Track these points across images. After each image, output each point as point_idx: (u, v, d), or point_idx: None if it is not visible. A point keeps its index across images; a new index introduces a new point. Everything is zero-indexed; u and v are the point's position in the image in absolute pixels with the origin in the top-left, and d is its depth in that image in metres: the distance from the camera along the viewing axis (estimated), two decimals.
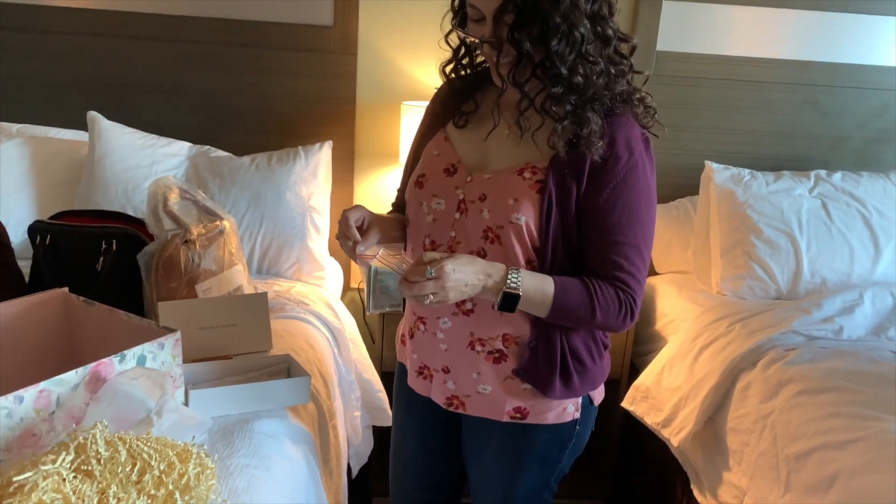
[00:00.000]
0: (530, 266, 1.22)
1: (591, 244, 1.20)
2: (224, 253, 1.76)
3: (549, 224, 1.19)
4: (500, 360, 1.28)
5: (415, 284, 1.10)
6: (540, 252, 1.21)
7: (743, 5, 2.57)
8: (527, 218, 1.19)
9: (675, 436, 2.09)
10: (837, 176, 2.50)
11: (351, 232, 1.25)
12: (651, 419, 2.21)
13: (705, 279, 2.46)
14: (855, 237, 2.36)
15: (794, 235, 2.33)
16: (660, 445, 2.20)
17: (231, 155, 2.40)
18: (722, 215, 2.41)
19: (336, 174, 2.51)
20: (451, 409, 1.35)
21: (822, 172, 2.52)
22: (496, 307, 1.17)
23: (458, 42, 1.29)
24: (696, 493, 2.04)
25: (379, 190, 2.67)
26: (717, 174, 2.45)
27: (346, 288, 2.65)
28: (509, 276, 1.15)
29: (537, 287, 1.17)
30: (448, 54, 1.32)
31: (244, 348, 1.62)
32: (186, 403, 1.34)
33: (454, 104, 1.33)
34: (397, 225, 1.36)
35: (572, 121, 1.16)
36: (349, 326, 2.27)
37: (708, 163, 2.50)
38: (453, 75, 1.32)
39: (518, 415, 1.30)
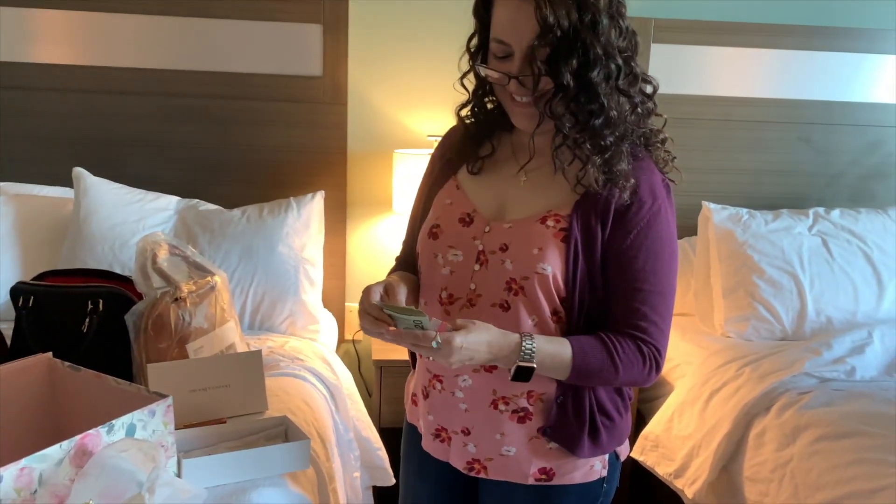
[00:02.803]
0: (556, 317, 1.17)
1: (615, 292, 1.16)
2: (216, 310, 1.69)
3: (575, 273, 1.15)
4: (524, 419, 1.21)
5: (422, 349, 1.07)
6: (567, 302, 1.17)
7: (732, 46, 2.59)
8: (553, 268, 1.14)
9: (689, 487, 2.00)
10: (836, 213, 2.48)
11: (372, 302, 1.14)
12: (662, 469, 2.13)
13: (708, 321, 2.41)
14: (858, 274, 2.33)
15: (796, 274, 2.30)
16: (672, 496, 2.12)
17: (221, 208, 2.35)
18: (722, 256, 2.37)
19: (328, 224, 2.46)
20: (472, 473, 1.27)
21: (821, 210, 2.51)
22: (510, 378, 1.12)
23: (474, 84, 1.23)
24: None
25: (372, 239, 2.62)
26: (716, 214, 2.43)
27: (341, 340, 2.57)
28: (523, 346, 1.10)
29: (554, 353, 1.12)
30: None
31: (238, 410, 1.55)
32: (179, 473, 1.25)
33: (469, 149, 1.27)
34: (411, 284, 1.27)
35: (611, 154, 1.12)
36: (345, 381, 2.19)
37: (705, 203, 2.48)
38: (470, 119, 1.27)
39: (543, 476, 1.23)
